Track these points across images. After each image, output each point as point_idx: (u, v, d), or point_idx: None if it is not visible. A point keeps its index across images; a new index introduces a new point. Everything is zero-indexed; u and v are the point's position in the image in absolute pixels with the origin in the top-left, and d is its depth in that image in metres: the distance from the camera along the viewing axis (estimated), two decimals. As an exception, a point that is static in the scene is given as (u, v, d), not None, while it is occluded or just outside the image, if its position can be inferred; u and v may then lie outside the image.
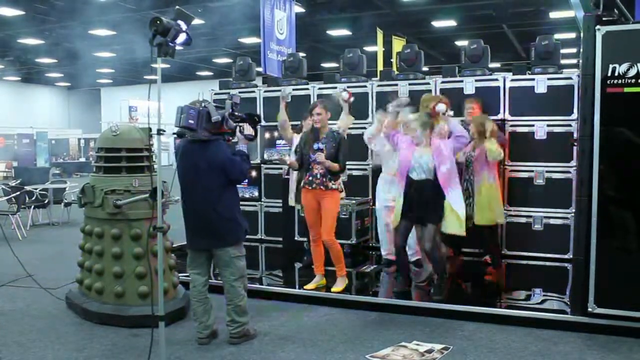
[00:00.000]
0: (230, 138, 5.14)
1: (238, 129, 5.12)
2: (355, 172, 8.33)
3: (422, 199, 6.26)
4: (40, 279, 7.57)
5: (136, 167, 5.97)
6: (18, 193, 11.73)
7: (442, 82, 8.06)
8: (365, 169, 8.33)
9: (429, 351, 5.02)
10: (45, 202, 12.75)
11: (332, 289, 6.42)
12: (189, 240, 5.26)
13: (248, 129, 5.16)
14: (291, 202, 7.68)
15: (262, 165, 9.10)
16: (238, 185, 5.32)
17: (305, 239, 8.28)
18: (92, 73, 33.25)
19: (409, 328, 5.61)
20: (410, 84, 8.19)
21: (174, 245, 6.39)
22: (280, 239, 8.42)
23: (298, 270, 7.70)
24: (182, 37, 4.08)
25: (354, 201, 8.05)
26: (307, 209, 6.49)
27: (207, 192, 5.03)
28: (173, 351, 4.99)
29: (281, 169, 8.75)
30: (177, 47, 4.33)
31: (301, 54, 9.85)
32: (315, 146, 6.34)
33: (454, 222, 6.23)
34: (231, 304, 5.20)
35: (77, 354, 5.05)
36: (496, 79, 7.87)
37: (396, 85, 8.27)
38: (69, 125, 40.63)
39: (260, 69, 10.95)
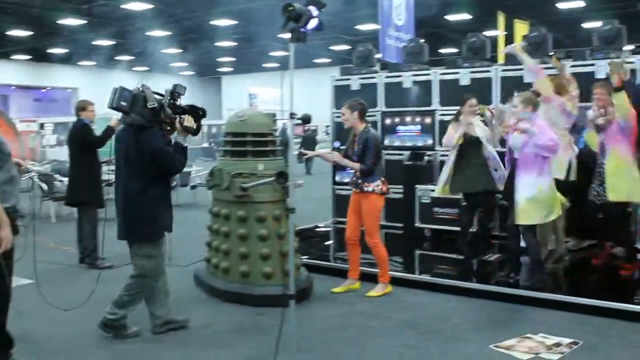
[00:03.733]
0: (169, 128, 4.86)
1: (178, 119, 4.82)
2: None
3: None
4: (170, 257, 7.94)
5: (261, 152, 6.12)
6: (148, 176, 12.35)
7: (572, 66, 7.67)
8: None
9: (557, 345, 4.83)
10: (173, 184, 13.36)
11: (367, 294, 6.18)
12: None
13: (189, 121, 4.83)
14: (441, 190, 7.36)
15: (382, 151, 9.03)
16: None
17: (424, 225, 8.24)
18: (214, 62, 34.46)
19: (535, 320, 5.44)
20: (537, 68, 7.86)
21: (297, 228, 6.51)
22: (401, 225, 8.40)
23: (419, 256, 7.66)
24: (313, 23, 4.10)
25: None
26: (349, 208, 6.37)
27: (131, 180, 4.77)
28: (297, 331, 5.09)
29: (402, 154, 8.72)
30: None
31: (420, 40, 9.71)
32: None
33: (524, 213, 6.04)
34: (121, 292, 4.94)
35: (205, 329, 5.29)
36: (633, 62, 7.38)
37: (521, 70, 7.97)
38: (192, 112, 42.26)
39: (379, 56, 10.90)
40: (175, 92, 4.83)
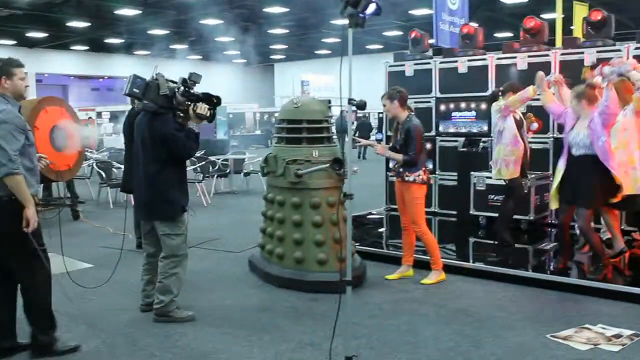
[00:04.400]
0: (182, 115, 5.00)
1: (192, 106, 4.97)
2: (535, 146, 7.96)
3: (576, 177, 5.95)
4: (224, 243, 8.10)
5: (316, 138, 6.12)
6: (203, 163, 12.56)
7: (636, 48, 7.41)
8: (547, 142, 7.94)
9: (617, 336, 4.71)
10: (227, 171, 13.56)
11: (421, 282, 6.13)
12: (135, 210, 5.22)
13: (202, 109, 4.97)
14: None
15: (436, 137, 8.99)
16: None
17: (479, 213, 8.13)
18: (266, 49, 34.59)
19: (593, 310, 5.31)
20: (598, 52, 7.63)
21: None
22: (455, 212, 8.31)
23: (473, 244, 7.57)
24: (372, 8, 4.06)
25: (533, 176, 7.73)
26: (397, 197, 6.34)
27: (148, 164, 4.99)
28: (352, 317, 5.10)
29: (456, 141, 8.61)
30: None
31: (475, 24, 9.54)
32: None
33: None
34: (158, 278, 5.11)
35: (261, 314, 5.34)
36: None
37: (582, 53, 7.75)
38: (245, 99, 42.65)
39: (433, 41, 10.76)
40: (190, 80, 5.01)
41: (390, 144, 6.32)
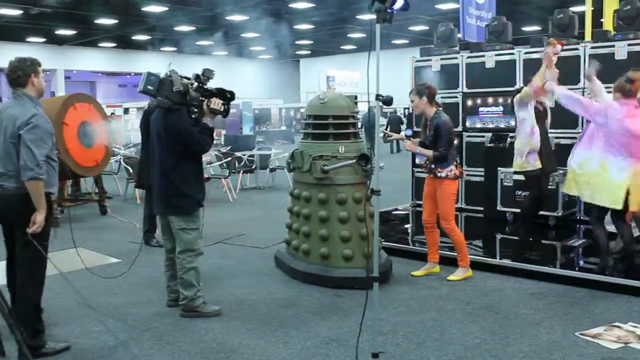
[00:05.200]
0: (196, 110, 5.03)
1: (205, 102, 5.04)
2: (563, 142, 7.86)
3: None
4: (250, 238, 8.13)
5: (342, 134, 6.10)
6: (229, 159, 12.61)
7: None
8: (576, 137, 7.80)
9: (648, 334, 4.64)
10: (253, 167, 13.60)
11: (448, 278, 6.10)
12: (150, 204, 5.22)
13: (215, 104, 5.04)
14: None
15: (463, 133, 8.91)
16: None
17: (506, 209, 8.06)
18: (292, 45, 34.64)
19: (624, 308, 5.23)
20: (629, 45, 7.49)
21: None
22: (481, 208, 8.24)
23: (500, 240, 7.50)
24: (399, 3, 4.03)
25: (561, 171, 7.62)
26: (424, 193, 6.30)
27: (163, 158, 5.06)
28: (378, 313, 5.09)
29: (483, 136, 8.53)
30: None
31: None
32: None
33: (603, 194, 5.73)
34: (178, 274, 5.17)
35: (287, 309, 5.35)
36: None
37: (612, 46, 7.62)
38: (271, 95, 42.76)
39: (459, 35, 10.67)
40: (203, 76, 5.07)
41: (419, 140, 6.30)
